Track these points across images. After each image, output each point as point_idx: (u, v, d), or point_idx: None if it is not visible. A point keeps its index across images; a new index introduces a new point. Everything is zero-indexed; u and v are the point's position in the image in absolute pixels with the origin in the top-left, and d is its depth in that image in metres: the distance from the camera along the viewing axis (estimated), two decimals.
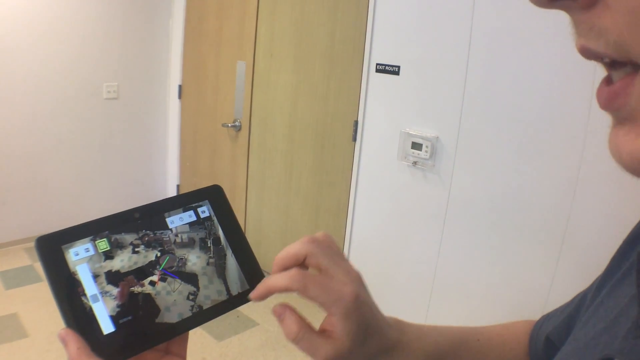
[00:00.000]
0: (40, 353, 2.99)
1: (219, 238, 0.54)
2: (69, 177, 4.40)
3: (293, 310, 0.51)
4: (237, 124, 4.10)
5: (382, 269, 3.30)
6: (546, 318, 0.72)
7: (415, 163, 3.00)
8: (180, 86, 4.73)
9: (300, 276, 0.49)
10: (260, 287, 0.51)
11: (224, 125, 4.17)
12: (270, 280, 0.50)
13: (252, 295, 0.52)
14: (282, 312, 0.50)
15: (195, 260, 0.52)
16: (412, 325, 0.61)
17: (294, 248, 0.51)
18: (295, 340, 0.50)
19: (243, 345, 3.25)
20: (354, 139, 3.32)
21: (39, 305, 3.47)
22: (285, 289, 0.49)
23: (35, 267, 3.96)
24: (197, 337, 3.22)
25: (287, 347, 3.18)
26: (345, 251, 3.49)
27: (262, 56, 3.87)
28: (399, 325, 0.59)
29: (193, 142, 4.70)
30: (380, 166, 3.21)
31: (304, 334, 0.50)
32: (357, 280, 0.52)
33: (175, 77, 4.77)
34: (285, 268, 0.52)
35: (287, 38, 3.68)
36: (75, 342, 0.44)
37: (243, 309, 3.61)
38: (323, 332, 0.51)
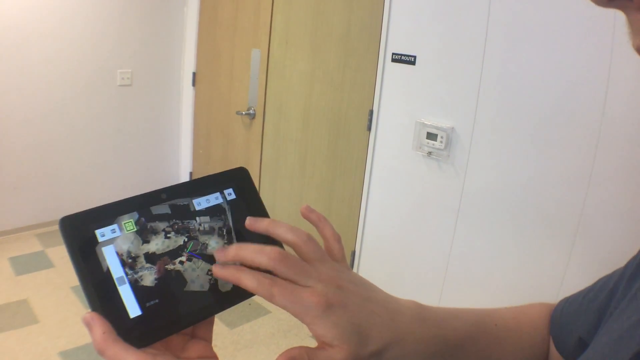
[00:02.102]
0: (51, 339, 3.02)
1: (241, 221, 0.53)
2: (81, 163, 4.42)
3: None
4: (251, 111, 4.10)
5: (395, 259, 3.30)
6: (566, 302, 0.71)
7: (430, 153, 3.00)
8: (194, 73, 4.73)
9: (269, 283, 0.47)
10: (228, 272, 0.48)
11: (238, 113, 4.17)
12: (241, 274, 0.48)
13: (214, 272, 0.49)
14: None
15: (214, 245, 0.51)
16: (430, 309, 0.59)
17: (259, 260, 0.48)
18: None
19: (255, 333, 3.27)
20: (369, 129, 3.32)
21: (50, 291, 3.50)
22: (252, 290, 0.47)
23: (47, 253, 3.99)
24: None
25: (299, 336, 3.19)
26: (358, 241, 3.49)
27: (277, 44, 3.86)
28: (415, 310, 0.56)
29: (206, 129, 4.71)
30: (394, 156, 3.21)
31: (306, 353, 0.47)
32: (331, 286, 0.49)
33: (189, 64, 4.77)
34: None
35: (302, 26, 3.67)
36: (100, 326, 0.43)
37: (255, 296, 3.61)
38: (321, 346, 0.48)
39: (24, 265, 3.83)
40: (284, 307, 0.47)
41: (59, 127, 4.23)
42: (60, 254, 3.96)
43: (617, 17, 2.29)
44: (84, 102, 4.31)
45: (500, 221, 2.80)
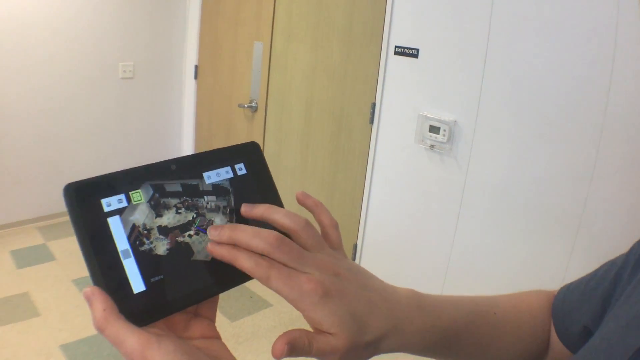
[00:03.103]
0: (52, 332, 3.02)
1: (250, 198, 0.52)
2: (83, 156, 4.42)
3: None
4: (253, 104, 4.09)
5: (397, 252, 3.30)
6: (567, 290, 0.70)
7: (432, 146, 2.99)
8: (196, 66, 4.72)
9: (267, 265, 0.46)
10: (224, 250, 0.47)
11: (240, 105, 4.16)
12: (237, 254, 0.46)
13: (209, 249, 0.47)
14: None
15: (218, 222, 0.49)
16: (428, 298, 0.58)
17: (256, 244, 0.46)
18: (305, 346, 0.46)
19: (256, 325, 3.27)
20: (371, 122, 3.31)
21: (51, 284, 3.50)
22: (248, 272, 0.46)
23: (48, 246, 3.99)
24: None
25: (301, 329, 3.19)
26: (360, 234, 3.49)
27: (279, 37, 3.84)
28: (413, 299, 0.55)
29: (208, 122, 4.70)
30: (397, 149, 3.20)
31: (305, 336, 0.47)
32: (328, 273, 0.48)
33: (191, 57, 4.76)
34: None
35: (304, 19, 3.65)
36: (101, 301, 0.41)
37: (257, 289, 3.63)
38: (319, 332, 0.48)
39: (26, 258, 3.83)
40: (279, 292, 0.46)
41: (61, 120, 4.22)
42: (62, 247, 3.96)
43: (620, 14, 2.27)
44: (86, 95, 4.31)
45: (503, 215, 2.79)
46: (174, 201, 0.48)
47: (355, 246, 3.52)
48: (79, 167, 4.38)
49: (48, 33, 3.97)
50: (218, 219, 0.50)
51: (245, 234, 0.46)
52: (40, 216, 4.29)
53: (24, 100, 3.99)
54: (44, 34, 3.96)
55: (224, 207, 0.51)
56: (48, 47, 4.00)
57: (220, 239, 0.47)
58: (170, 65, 4.78)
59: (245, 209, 0.50)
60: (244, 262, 0.46)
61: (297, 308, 0.47)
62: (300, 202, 0.54)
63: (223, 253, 0.47)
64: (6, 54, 3.82)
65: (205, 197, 0.50)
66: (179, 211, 0.48)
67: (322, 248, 0.50)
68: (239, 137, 4.30)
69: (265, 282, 0.46)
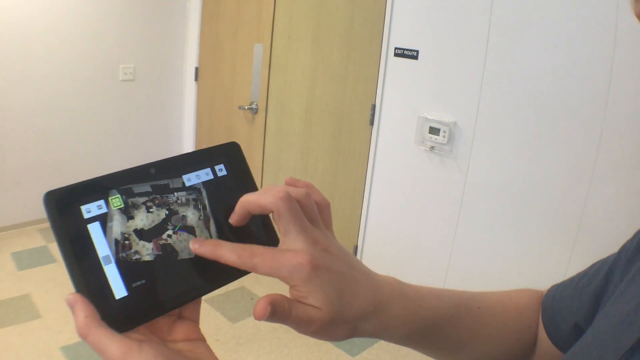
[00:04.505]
0: (53, 334, 3.02)
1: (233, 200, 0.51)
2: (84, 158, 4.42)
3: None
4: (253, 106, 4.10)
5: (397, 254, 3.30)
6: (557, 288, 0.70)
7: (432, 148, 2.99)
8: (196, 68, 4.73)
9: (249, 254, 0.46)
10: (207, 247, 0.47)
11: (240, 107, 4.16)
12: (220, 250, 0.47)
13: (193, 248, 0.48)
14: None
15: (194, 219, 0.49)
16: (410, 287, 0.58)
17: (265, 200, 0.47)
18: (287, 312, 0.46)
19: (257, 327, 3.27)
20: (371, 123, 3.31)
21: (52, 286, 3.50)
22: (232, 264, 0.46)
23: (49, 248, 3.99)
24: (210, 319, 3.24)
25: None
26: (360, 236, 3.49)
27: (279, 39, 3.85)
28: (396, 286, 0.56)
29: (209, 124, 4.71)
30: (397, 151, 3.20)
31: (286, 301, 0.47)
32: (318, 247, 0.48)
33: (191, 59, 4.76)
34: (247, 215, 0.49)
35: (305, 21, 3.66)
36: (83, 309, 0.41)
37: (258, 290, 3.63)
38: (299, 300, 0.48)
39: (27, 260, 3.83)
40: (269, 274, 0.46)
41: (61, 122, 4.23)
42: None
43: (620, 13, 2.28)
44: (87, 98, 4.31)
45: (503, 216, 2.79)
46: (141, 199, 0.47)
47: (356, 247, 3.52)
48: (80, 169, 4.38)
49: (49, 35, 3.98)
50: (194, 217, 0.49)
51: (223, 252, 0.47)
52: (42, 218, 4.27)
53: (25, 102, 3.99)
54: (45, 36, 3.96)
55: (202, 207, 0.50)
56: (49, 50, 4.00)
57: (204, 255, 0.47)
58: (171, 68, 4.78)
59: (196, 249, 0.48)
60: (227, 256, 0.46)
61: (287, 283, 0.47)
62: (291, 185, 0.54)
63: (205, 251, 0.47)
64: (8, 56, 3.82)
65: (183, 197, 0.50)
66: (150, 210, 0.47)
67: (316, 223, 0.50)
68: (240, 139, 4.30)
69: (252, 270, 0.46)
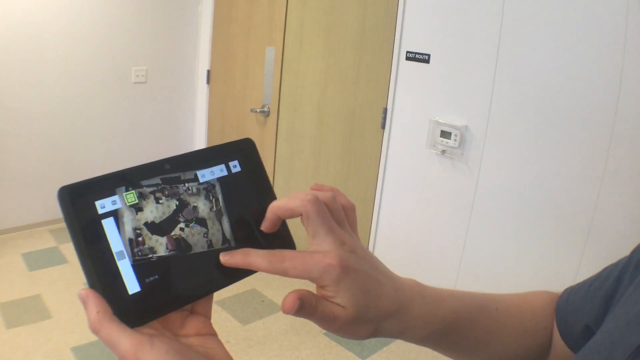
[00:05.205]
0: (64, 334, 3.04)
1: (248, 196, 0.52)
2: (95, 160, 4.44)
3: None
4: (265, 109, 4.11)
5: (408, 257, 3.30)
6: (571, 291, 0.71)
7: (443, 152, 2.99)
8: (208, 71, 4.75)
9: (279, 260, 0.47)
10: (238, 258, 0.48)
11: (252, 110, 4.18)
12: (250, 258, 0.48)
13: (223, 260, 0.48)
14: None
15: (206, 213, 0.49)
16: (430, 289, 0.59)
17: (293, 204, 0.48)
18: (312, 307, 0.47)
19: (267, 329, 3.27)
20: (383, 127, 3.31)
21: (63, 287, 3.52)
22: (264, 271, 0.47)
23: (60, 249, 4.02)
24: (222, 321, 3.25)
25: (311, 333, 3.19)
26: (372, 239, 3.49)
27: (291, 42, 3.86)
28: (416, 288, 0.57)
29: (221, 127, 4.72)
30: (408, 154, 3.20)
31: (314, 297, 0.48)
32: (346, 249, 0.49)
33: (203, 62, 4.78)
34: (277, 220, 0.50)
35: (317, 24, 3.67)
36: (95, 304, 0.41)
37: (268, 293, 3.64)
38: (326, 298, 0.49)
39: (37, 261, 3.85)
40: (300, 277, 0.47)
41: (73, 124, 4.26)
42: (74, 250, 3.97)
43: (629, 17, 2.27)
44: (99, 100, 4.34)
45: (513, 219, 2.79)
46: (149, 189, 0.48)
47: None
48: (91, 171, 4.34)
49: (61, 37, 4.01)
50: (205, 207, 0.49)
51: (253, 259, 0.48)
52: (53, 219, 4.31)
53: (36, 103, 4.03)
54: (57, 38, 3.99)
55: (214, 200, 0.50)
56: (61, 51, 4.03)
57: (233, 265, 0.48)
58: (183, 70, 4.81)
59: (226, 260, 0.49)
60: (258, 263, 0.47)
61: (318, 284, 0.48)
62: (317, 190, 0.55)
63: (236, 261, 0.48)
64: (20, 58, 3.86)
65: (194, 187, 0.50)
66: (160, 201, 0.47)
67: (343, 225, 0.52)
68: None
69: (283, 275, 0.47)
